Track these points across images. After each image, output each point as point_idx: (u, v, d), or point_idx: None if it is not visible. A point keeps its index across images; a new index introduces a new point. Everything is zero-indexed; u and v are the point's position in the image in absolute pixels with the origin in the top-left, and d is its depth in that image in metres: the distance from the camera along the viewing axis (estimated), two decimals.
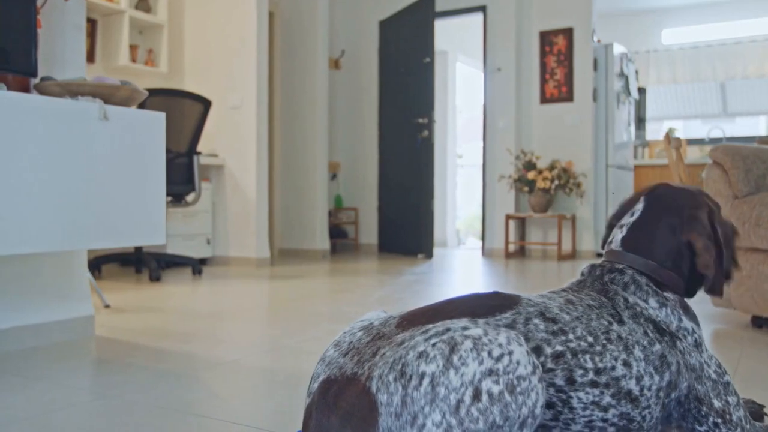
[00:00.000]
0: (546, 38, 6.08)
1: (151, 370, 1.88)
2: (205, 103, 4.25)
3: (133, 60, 4.94)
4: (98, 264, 4.18)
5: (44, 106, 1.80)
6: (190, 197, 4.44)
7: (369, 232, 6.75)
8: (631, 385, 1.05)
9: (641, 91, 7.87)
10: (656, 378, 1.08)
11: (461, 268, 5.06)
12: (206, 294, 3.54)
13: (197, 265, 4.40)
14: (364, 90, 6.76)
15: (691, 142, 7.78)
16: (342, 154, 6.85)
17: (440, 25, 6.37)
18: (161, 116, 2.12)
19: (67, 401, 1.58)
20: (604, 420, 1.04)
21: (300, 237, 6.09)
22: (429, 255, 5.82)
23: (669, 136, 4.68)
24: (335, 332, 2.45)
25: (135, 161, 2.04)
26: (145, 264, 4.27)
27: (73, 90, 1.91)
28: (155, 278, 4.01)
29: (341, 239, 6.77)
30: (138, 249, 4.31)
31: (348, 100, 6.84)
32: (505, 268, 4.98)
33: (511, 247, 6.16)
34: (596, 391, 1.03)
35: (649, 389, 1.07)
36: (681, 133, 8.17)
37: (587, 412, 1.03)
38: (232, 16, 5.12)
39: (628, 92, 6.48)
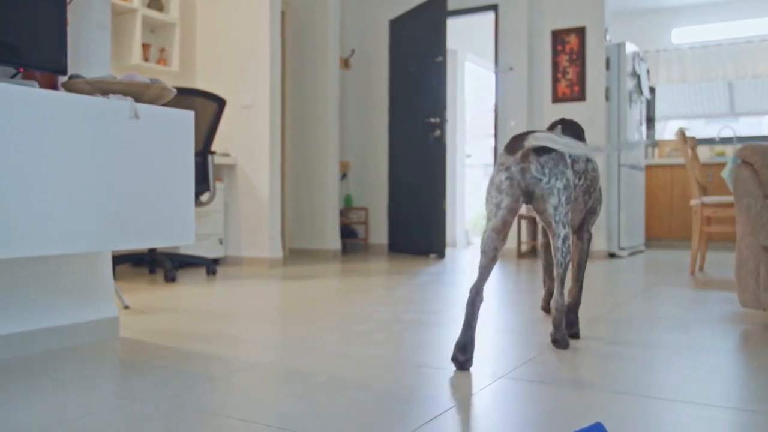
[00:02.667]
0: (558, 37, 6.05)
1: (181, 372, 1.85)
2: (220, 102, 4.22)
3: (145, 59, 4.91)
4: (111, 265, 4.15)
5: (76, 104, 1.77)
6: (204, 197, 4.41)
7: (379, 232, 6.71)
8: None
9: (651, 90, 7.83)
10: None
11: (475, 268, 5.03)
12: (224, 295, 3.51)
13: (211, 266, 4.37)
14: (373, 89, 6.73)
15: (699, 141, 7.74)
16: (352, 154, 6.82)
17: (449, 24, 6.33)
18: (190, 115, 2.09)
19: (98, 405, 1.55)
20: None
21: (311, 237, 6.06)
22: (441, 255, 5.79)
23: (685, 136, 4.65)
24: (362, 333, 2.42)
25: (164, 160, 2.01)
26: (159, 264, 4.24)
27: (103, 88, 1.88)
28: (170, 279, 3.98)
29: (351, 239, 6.73)
30: (152, 249, 4.28)
31: (357, 99, 6.81)
32: (522, 269, 4.95)
33: (523, 247, 6.12)
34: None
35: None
36: (688, 133, 8.13)
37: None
38: (245, 15, 5.09)
39: (640, 91, 6.45)
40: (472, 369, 1.91)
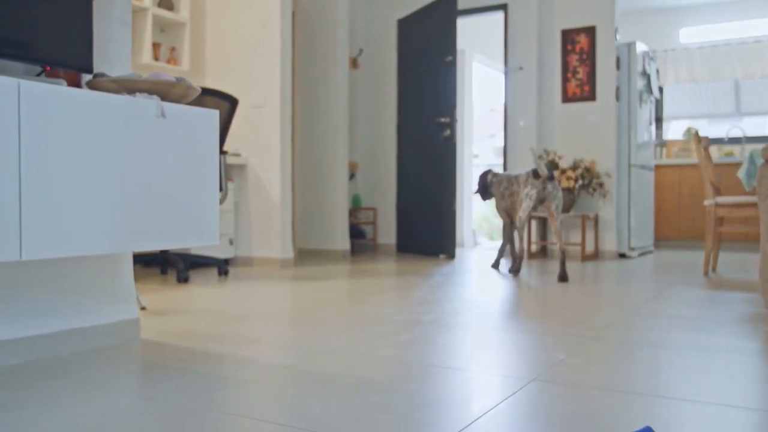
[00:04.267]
0: (568, 37, 6.02)
1: (203, 374, 1.83)
2: (232, 102, 4.19)
3: (156, 58, 4.88)
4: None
5: (104, 103, 1.74)
6: None
7: (387, 232, 6.69)
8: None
9: (659, 90, 7.81)
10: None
11: (488, 268, 5.00)
12: (238, 296, 3.48)
13: (223, 266, 4.34)
14: (381, 89, 6.71)
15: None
16: (360, 154, 6.80)
17: (458, 24, 6.30)
18: (215, 114, 2.07)
19: (124, 408, 1.52)
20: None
21: (320, 237, 6.04)
22: (451, 255, 5.76)
23: (699, 136, 4.63)
24: (383, 335, 2.39)
25: (190, 159, 1.98)
26: (171, 265, 4.21)
27: (129, 87, 1.85)
28: (183, 279, 3.95)
29: (359, 239, 6.71)
30: (164, 250, 4.26)
31: (365, 99, 6.78)
32: (533, 269, 4.92)
33: (533, 248, 6.09)
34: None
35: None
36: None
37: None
38: (255, 15, 5.06)
39: (650, 91, 6.42)
40: (502, 372, 1.89)
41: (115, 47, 2.27)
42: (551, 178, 4.23)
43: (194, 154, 2.00)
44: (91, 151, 1.71)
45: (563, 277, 4.07)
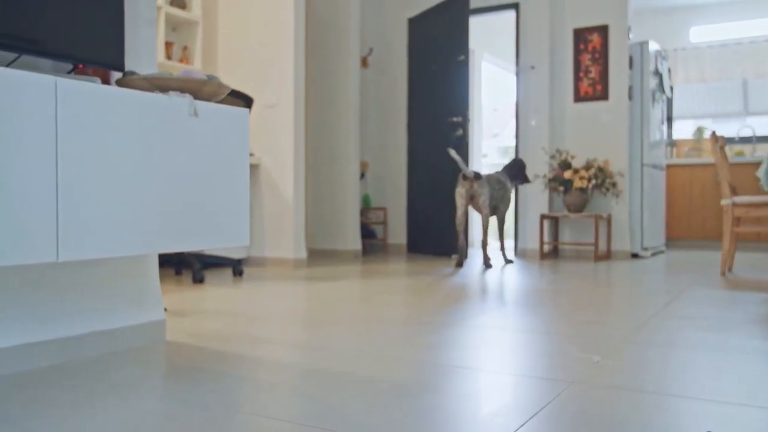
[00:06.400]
0: (580, 36, 5.99)
1: (236, 377, 1.80)
2: (247, 101, 4.17)
3: (168, 57, 4.86)
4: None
5: (138, 102, 1.72)
6: None
7: (398, 232, 6.66)
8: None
9: (671, 89, 7.78)
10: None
11: (501, 268, 4.97)
12: (256, 296, 3.46)
13: (238, 266, 4.31)
14: (392, 88, 6.68)
15: None
16: (370, 154, 6.77)
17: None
18: (245, 113, 2.04)
19: (165, 412, 1.49)
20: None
21: (331, 237, 6.01)
22: (464, 256, 5.73)
23: (715, 135, 4.60)
24: (411, 336, 2.37)
25: (221, 159, 1.96)
26: (186, 265, 4.19)
27: (161, 85, 1.82)
28: (199, 280, 3.92)
29: (370, 239, 6.68)
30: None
31: (375, 98, 6.76)
32: (545, 270, 4.89)
33: (545, 248, 6.07)
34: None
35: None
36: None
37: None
38: (268, 13, 5.04)
39: (662, 90, 6.39)
40: (538, 374, 1.86)
41: (142, 45, 2.24)
42: (477, 177, 4.89)
43: (225, 153, 1.97)
44: (124, 150, 1.69)
45: (489, 266, 4.98)
